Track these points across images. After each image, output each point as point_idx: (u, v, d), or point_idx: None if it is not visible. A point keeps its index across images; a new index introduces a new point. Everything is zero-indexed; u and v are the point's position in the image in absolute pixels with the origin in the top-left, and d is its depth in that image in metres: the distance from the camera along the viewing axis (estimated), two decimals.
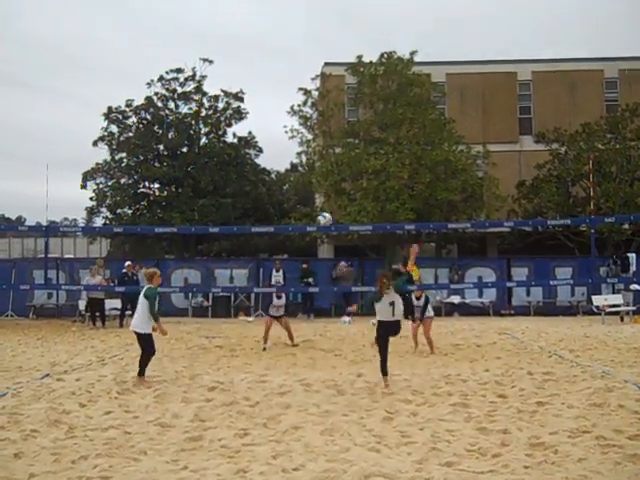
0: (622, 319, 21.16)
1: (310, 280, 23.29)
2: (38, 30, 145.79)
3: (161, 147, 32.14)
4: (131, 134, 32.11)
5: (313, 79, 28.64)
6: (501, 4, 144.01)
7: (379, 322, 9.80)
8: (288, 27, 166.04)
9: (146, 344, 10.28)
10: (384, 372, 9.90)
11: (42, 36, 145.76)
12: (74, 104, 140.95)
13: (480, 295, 25.00)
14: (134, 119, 32.33)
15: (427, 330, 14.23)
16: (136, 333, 10.41)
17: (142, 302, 10.21)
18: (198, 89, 32.29)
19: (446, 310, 24.56)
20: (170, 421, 7.96)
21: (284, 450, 6.66)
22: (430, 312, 14.51)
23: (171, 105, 32.45)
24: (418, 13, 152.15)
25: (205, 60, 32.15)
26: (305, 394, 9.47)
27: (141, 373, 10.27)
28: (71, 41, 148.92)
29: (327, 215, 15.68)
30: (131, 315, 21.38)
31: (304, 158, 30.36)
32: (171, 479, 5.86)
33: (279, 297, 15.47)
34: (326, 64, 30.85)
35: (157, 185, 32.60)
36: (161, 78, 31.95)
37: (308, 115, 28.14)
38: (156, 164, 31.94)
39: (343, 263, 24.56)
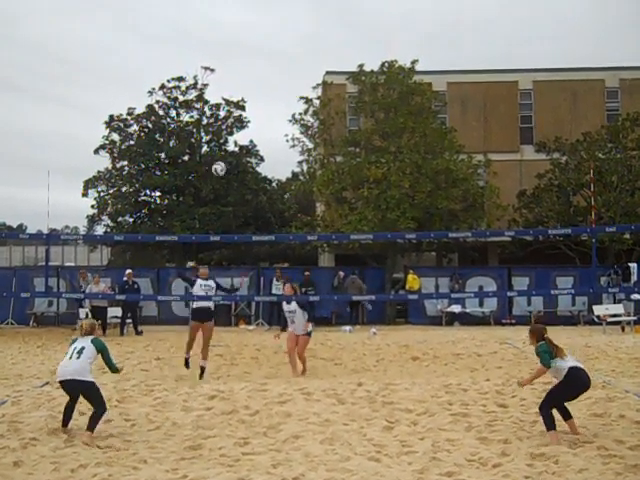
0: (623, 329, 21.10)
1: (310, 290, 23.24)
2: (39, 36, 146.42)
3: (162, 155, 32.15)
4: (132, 142, 32.14)
5: (314, 88, 28.72)
6: (502, 11, 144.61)
7: (570, 369, 7.52)
8: (290, 35, 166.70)
9: None
10: (551, 426, 7.41)
11: (43, 42, 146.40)
12: (76, 111, 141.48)
13: (481, 304, 24.94)
14: (135, 127, 32.37)
15: (302, 347, 12.38)
16: None
17: None
18: (199, 97, 32.33)
19: (447, 319, 24.53)
20: (170, 430, 7.96)
21: (284, 459, 6.65)
22: (309, 327, 12.33)
23: (172, 113, 32.50)
24: (420, 19, 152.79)
25: (206, 68, 32.24)
26: (305, 403, 9.45)
27: None
28: (73, 48, 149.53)
29: (220, 166, 13.99)
30: (132, 323, 21.49)
31: (305, 167, 30.43)
32: None
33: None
34: (327, 73, 30.89)
35: (158, 193, 32.62)
36: (162, 86, 32.01)
37: (309, 124, 28.20)
38: (157, 172, 31.97)
39: (341, 273, 24.63)
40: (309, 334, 12.43)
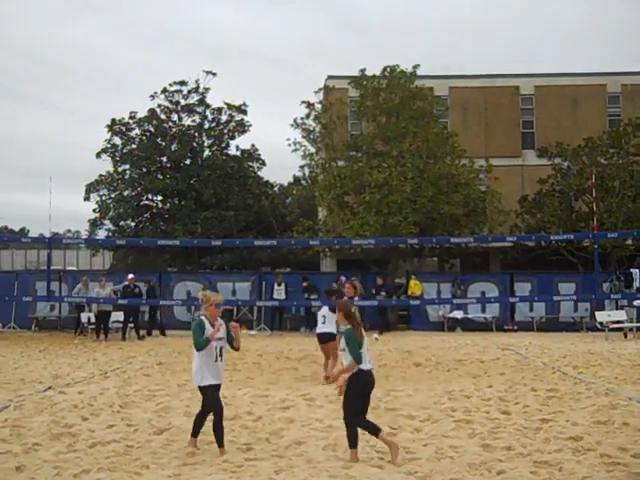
0: (626, 335, 21.03)
1: (313, 295, 23.17)
2: (40, 42, 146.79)
3: (164, 159, 32.17)
4: (134, 146, 32.16)
5: (316, 92, 28.75)
6: (503, 16, 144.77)
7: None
8: (292, 39, 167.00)
9: None
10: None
11: (44, 48, 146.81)
12: (78, 118, 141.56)
13: (483, 310, 24.91)
14: (137, 131, 32.38)
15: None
16: None
17: None
18: (201, 101, 32.37)
19: (449, 325, 24.49)
20: (172, 435, 7.94)
21: (286, 465, 6.63)
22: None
23: (174, 117, 32.52)
24: (422, 26, 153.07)
25: (208, 72, 32.26)
26: (308, 409, 9.44)
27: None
28: (73, 53, 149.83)
29: None
30: (133, 328, 21.47)
31: (307, 171, 30.46)
32: None
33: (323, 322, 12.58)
34: (329, 77, 30.95)
35: (160, 197, 32.63)
36: (164, 90, 32.03)
37: (311, 128, 28.21)
38: (159, 176, 31.98)
39: (342, 278, 24.55)
40: None
